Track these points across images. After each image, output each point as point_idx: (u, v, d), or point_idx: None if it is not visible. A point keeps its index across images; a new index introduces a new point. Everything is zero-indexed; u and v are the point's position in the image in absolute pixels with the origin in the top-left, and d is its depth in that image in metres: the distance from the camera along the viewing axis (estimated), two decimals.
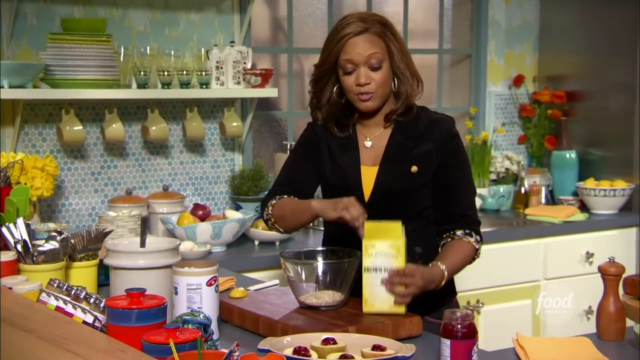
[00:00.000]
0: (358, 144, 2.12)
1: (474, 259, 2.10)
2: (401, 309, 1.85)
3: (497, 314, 3.44)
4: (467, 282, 3.18)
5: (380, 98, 2.05)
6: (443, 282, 1.98)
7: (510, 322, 3.40)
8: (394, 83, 2.07)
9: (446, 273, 1.98)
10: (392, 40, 2.04)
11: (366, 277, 1.87)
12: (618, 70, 3.83)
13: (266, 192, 3.28)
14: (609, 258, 1.91)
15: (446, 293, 2.16)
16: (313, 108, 2.15)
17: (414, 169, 2.06)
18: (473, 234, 2.06)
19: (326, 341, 1.63)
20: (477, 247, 2.07)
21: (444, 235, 2.08)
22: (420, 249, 2.09)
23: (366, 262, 1.87)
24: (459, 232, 2.06)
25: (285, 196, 2.13)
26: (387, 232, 1.87)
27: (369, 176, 2.09)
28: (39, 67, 2.90)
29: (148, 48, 3.16)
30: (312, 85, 2.13)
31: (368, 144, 2.11)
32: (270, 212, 2.12)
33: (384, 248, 1.86)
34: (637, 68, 3.72)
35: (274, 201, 2.13)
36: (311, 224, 3.48)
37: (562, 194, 3.97)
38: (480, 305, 3.42)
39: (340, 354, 1.59)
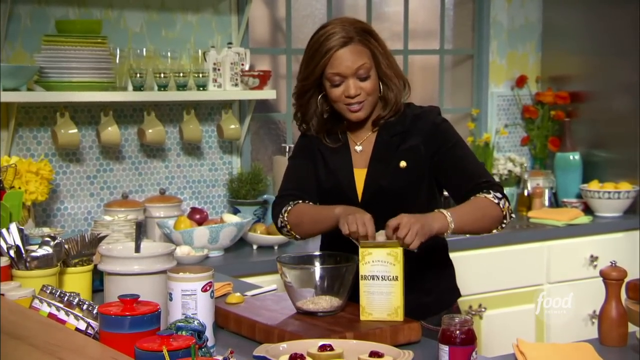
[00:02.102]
0: (349, 149, 2.11)
1: (503, 219, 1.98)
2: (399, 317, 1.82)
3: (499, 318, 3.41)
4: (469, 286, 3.15)
5: (369, 106, 2.05)
6: (450, 225, 1.88)
7: (513, 326, 3.37)
8: (380, 88, 2.05)
9: (448, 214, 1.89)
10: (377, 47, 2.02)
11: (363, 285, 1.84)
12: (622, 70, 3.80)
13: (264, 197, 3.33)
14: (611, 262, 1.89)
15: (450, 292, 2.14)
16: (300, 122, 2.14)
17: (403, 164, 2.04)
18: (491, 192, 1.99)
19: (323, 347, 1.61)
20: (496, 202, 1.96)
21: None
22: (420, 264, 2.04)
23: (363, 270, 1.84)
24: (476, 194, 1.99)
25: (300, 201, 2.09)
26: (385, 243, 1.83)
27: (360, 178, 2.08)
28: (34, 70, 2.89)
29: (144, 49, 3.15)
30: (295, 98, 2.12)
31: (358, 148, 2.11)
32: (285, 219, 2.08)
33: (381, 256, 1.83)
34: None
35: (289, 207, 2.08)
36: None
37: (565, 197, 3.94)
38: (483, 309, 3.39)
39: None
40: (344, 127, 2.12)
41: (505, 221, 2.00)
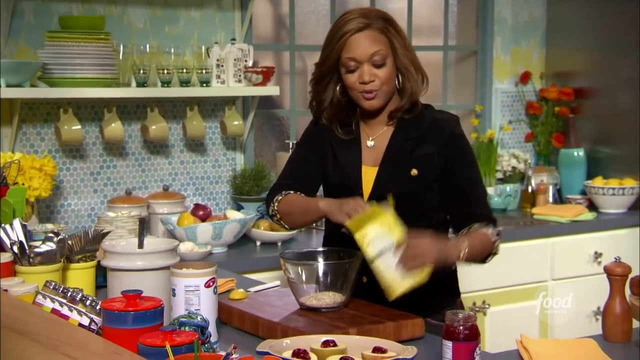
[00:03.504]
0: (360, 143, 2.09)
1: (490, 255, 2.02)
2: (426, 273, 1.80)
3: (503, 315, 3.40)
4: (472, 282, 3.15)
5: (384, 95, 2.02)
6: (462, 259, 1.91)
7: (517, 323, 3.36)
8: (398, 79, 2.03)
9: (464, 251, 1.90)
10: (395, 36, 2.00)
11: (378, 266, 1.82)
12: (627, 67, 3.79)
13: (271, 187, 3.32)
14: (615, 258, 1.88)
15: (449, 294, 2.13)
16: (315, 111, 2.11)
17: (414, 172, 2.01)
18: (491, 226, 2.00)
19: (326, 343, 1.61)
20: (493, 239, 1.99)
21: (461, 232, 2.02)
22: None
23: (369, 252, 1.82)
24: (476, 225, 1.99)
25: (292, 192, 2.10)
26: (371, 216, 1.83)
27: (369, 176, 2.06)
28: (37, 66, 2.88)
29: (148, 46, 3.15)
30: (312, 85, 2.10)
31: (370, 143, 2.09)
32: (276, 207, 2.10)
33: (376, 231, 1.82)
34: None
35: (280, 197, 2.10)
36: (315, 224, 3.45)
37: (570, 193, 3.93)
38: (486, 306, 3.38)
39: (341, 356, 1.57)
40: (358, 118, 2.10)
41: (488, 259, 2.04)
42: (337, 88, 2.05)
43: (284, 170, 2.19)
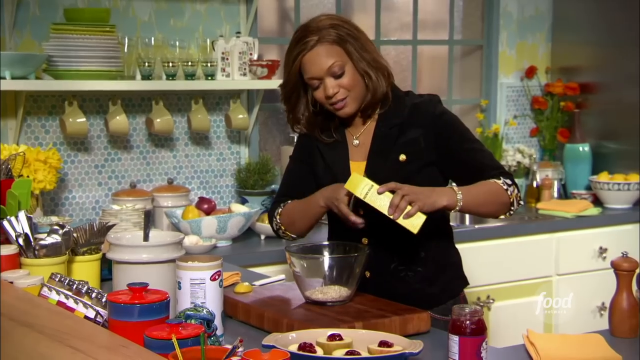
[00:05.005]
0: (347, 143, 2.11)
1: (511, 207, 1.97)
2: (418, 222, 1.83)
3: (508, 310, 3.40)
4: (477, 277, 3.15)
5: (355, 100, 2.02)
6: (459, 202, 1.87)
7: (522, 318, 3.35)
8: (365, 80, 2.02)
9: (458, 191, 1.88)
10: (349, 41, 1.99)
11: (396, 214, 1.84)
12: (632, 61, 3.78)
13: (272, 187, 3.32)
14: (622, 253, 1.87)
15: (456, 281, 2.14)
16: (292, 124, 2.13)
17: (402, 157, 2.02)
18: (501, 177, 1.97)
19: (332, 337, 1.61)
20: (505, 188, 1.95)
21: None
22: (424, 253, 2.05)
23: (376, 206, 1.84)
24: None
25: (290, 201, 2.12)
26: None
27: (358, 171, 2.05)
28: (42, 58, 2.88)
29: (152, 39, 3.14)
30: (283, 103, 2.12)
31: (356, 142, 2.10)
32: (278, 220, 2.13)
33: (365, 200, 1.86)
34: None
35: (280, 209, 2.13)
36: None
37: (575, 188, 3.92)
38: (491, 301, 3.38)
39: (346, 350, 1.57)
40: (337, 123, 2.11)
41: (512, 208, 1.99)
42: (307, 100, 2.07)
43: (280, 187, 2.23)
